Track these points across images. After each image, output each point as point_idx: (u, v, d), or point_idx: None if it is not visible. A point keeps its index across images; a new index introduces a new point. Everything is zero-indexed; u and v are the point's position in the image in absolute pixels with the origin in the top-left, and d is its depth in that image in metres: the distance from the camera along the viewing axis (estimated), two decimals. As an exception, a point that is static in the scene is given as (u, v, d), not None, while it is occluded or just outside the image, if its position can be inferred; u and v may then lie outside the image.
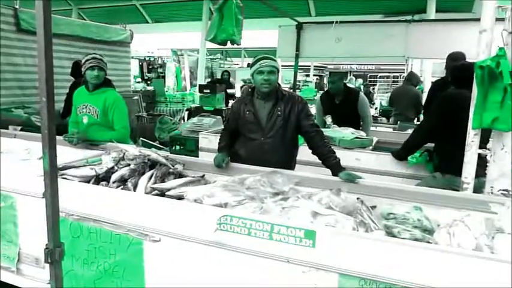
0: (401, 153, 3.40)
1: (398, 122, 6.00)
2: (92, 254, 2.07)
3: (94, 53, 3.28)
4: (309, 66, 18.92)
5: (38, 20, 1.39)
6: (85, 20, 10.87)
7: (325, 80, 24.18)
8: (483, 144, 2.31)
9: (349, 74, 23.79)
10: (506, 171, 2.16)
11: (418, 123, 5.45)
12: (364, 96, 4.58)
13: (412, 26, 5.50)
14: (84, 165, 2.46)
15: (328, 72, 25.84)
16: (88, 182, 2.31)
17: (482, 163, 2.29)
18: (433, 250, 1.49)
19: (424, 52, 5.62)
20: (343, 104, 4.46)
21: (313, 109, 5.28)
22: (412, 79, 6.54)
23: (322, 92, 6.34)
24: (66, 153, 2.78)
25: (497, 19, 2.18)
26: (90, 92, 3.26)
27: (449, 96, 2.97)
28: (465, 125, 2.25)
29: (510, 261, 1.36)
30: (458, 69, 2.99)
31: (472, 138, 2.23)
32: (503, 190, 2.17)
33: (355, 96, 4.45)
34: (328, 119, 4.28)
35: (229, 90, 8.98)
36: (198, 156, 4.29)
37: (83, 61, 3.22)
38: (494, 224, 1.75)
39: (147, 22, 11.79)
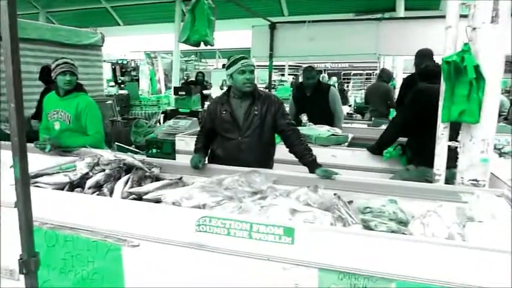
0: (376, 148, 3.48)
1: (373, 118, 6.12)
2: (69, 263, 2.02)
3: (64, 58, 3.20)
4: (284, 65, 19.05)
5: (3, 24, 1.35)
6: (54, 23, 10.62)
7: (300, 79, 24.42)
8: (455, 136, 2.38)
9: (323, 72, 24.09)
10: (475, 161, 2.24)
11: (391, 118, 5.56)
12: (335, 90, 4.66)
13: (383, 24, 5.63)
14: (58, 172, 2.40)
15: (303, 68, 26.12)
16: (62, 189, 2.26)
17: (452, 155, 2.36)
18: (408, 241, 1.53)
19: (394, 49, 5.77)
20: (315, 97, 4.57)
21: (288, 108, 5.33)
22: (383, 75, 6.72)
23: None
24: (38, 160, 2.70)
25: (462, 15, 2.26)
26: (62, 98, 3.18)
27: (420, 91, 3.06)
28: (435, 118, 2.32)
29: (480, 248, 1.42)
30: (420, 72, 3.12)
31: (442, 131, 2.30)
32: (473, 180, 2.26)
33: (327, 90, 4.55)
34: (304, 117, 4.33)
35: (204, 92, 8.95)
36: (175, 159, 4.26)
37: (53, 66, 3.13)
38: (465, 213, 1.82)
39: (119, 25, 11.61)
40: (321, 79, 12.04)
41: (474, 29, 2.14)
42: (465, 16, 2.24)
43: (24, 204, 1.47)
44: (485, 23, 2.12)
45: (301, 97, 4.72)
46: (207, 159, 2.92)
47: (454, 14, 2.21)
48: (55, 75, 3.12)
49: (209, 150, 2.93)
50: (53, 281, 2.07)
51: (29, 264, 1.51)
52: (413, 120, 3.04)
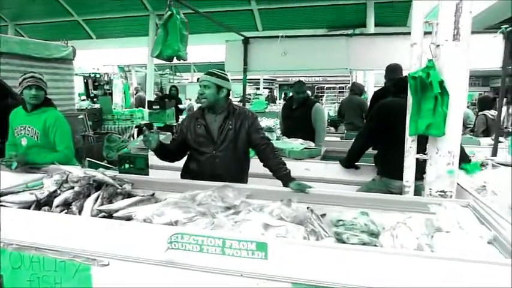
0: (346, 161, 3.53)
1: (345, 131, 6.25)
2: (35, 285, 1.94)
3: (32, 72, 3.13)
4: (259, 79, 19.23)
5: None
6: (23, 36, 10.38)
7: (275, 93, 24.70)
8: (422, 150, 2.46)
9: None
10: (441, 173, 2.31)
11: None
12: (319, 107, 4.68)
13: (353, 40, 5.79)
14: (24, 190, 2.32)
15: (277, 85, 26.41)
16: (28, 208, 2.18)
17: (419, 167, 2.43)
18: (378, 253, 1.55)
19: (365, 64, 5.94)
20: (299, 110, 4.62)
21: (263, 122, 5.38)
22: (355, 89, 6.90)
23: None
24: (3, 178, 2.61)
25: (426, 33, 2.36)
26: (29, 113, 3.10)
27: (384, 105, 3.16)
28: (401, 131, 2.39)
29: (448, 258, 1.46)
30: (396, 83, 3.21)
31: (410, 144, 2.37)
32: (440, 191, 2.32)
33: (311, 106, 4.58)
34: (278, 131, 4.37)
35: (180, 106, 8.91)
36: (148, 174, 4.19)
37: (20, 80, 3.06)
38: (433, 224, 1.86)
39: (91, 38, 11.47)
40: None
41: (438, 46, 2.24)
42: (430, 33, 2.33)
43: (-14, 225, 1.41)
44: (448, 41, 2.21)
45: (287, 110, 4.80)
46: (179, 174, 2.90)
47: (419, 31, 2.30)
48: (21, 90, 3.04)
49: (183, 165, 2.91)
50: (18, 305, 1.98)
51: (-9, 287, 1.45)
52: (377, 133, 3.13)
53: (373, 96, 5.06)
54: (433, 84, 2.12)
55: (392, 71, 4.27)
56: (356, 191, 2.96)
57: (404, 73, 3.91)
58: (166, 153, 2.80)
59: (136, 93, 15.20)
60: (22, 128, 3.09)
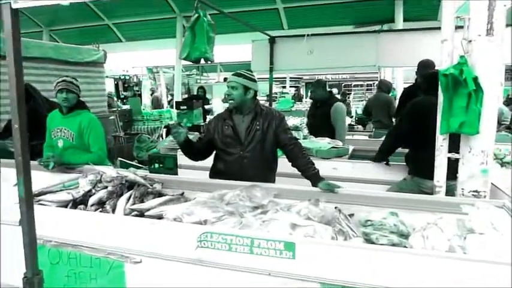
0: (376, 158, 3.53)
1: (374, 129, 6.14)
2: (72, 280, 2.04)
3: (66, 76, 3.26)
4: (285, 78, 19.19)
5: (7, 47, 1.40)
6: (57, 41, 10.77)
7: (302, 91, 24.56)
8: (454, 148, 2.40)
9: (324, 84, 24.16)
10: (475, 172, 2.25)
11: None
12: (340, 105, 4.64)
13: (381, 36, 5.68)
14: (61, 190, 2.44)
15: (303, 83, 26.29)
16: (65, 206, 2.29)
17: (452, 167, 2.38)
18: (408, 254, 1.54)
19: (393, 61, 5.81)
20: (321, 108, 4.64)
21: (290, 121, 5.37)
22: (382, 86, 6.74)
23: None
24: (41, 178, 2.74)
25: (458, 27, 2.30)
26: (64, 115, 3.24)
27: (417, 104, 3.09)
28: (433, 130, 2.34)
29: (482, 261, 1.43)
30: (427, 78, 3.13)
31: (441, 143, 2.32)
32: (473, 191, 2.26)
33: (331, 103, 4.57)
34: (305, 130, 4.36)
35: (206, 106, 9.01)
36: (177, 174, 4.27)
37: (54, 84, 3.20)
38: (466, 225, 1.82)
39: (121, 41, 11.77)
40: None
41: (470, 41, 2.18)
42: (461, 27, 2.27)
43: (28, 222, 1.50)
44: (481, 36, 2.15)
45: (312, 108, 4.89)
46: (207, 174, 2.94)
47: (449, 27, 2.24)
48: (55, 93, 3.18)
49: (211, 165, 2.95)
50: (56, 299, 2.08)
51: (33, 282, 1.53)
52: (408, 133, 3.07)
53: (402, 93, 4.94)
54: (468, 81, 2.07)
55: (425, 66, 4.15)
56: (386, 191, 2.92)
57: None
58: (192, 150, 2.84)
59: (152, 93, 15.46)
60: (58, 130, 3.23)
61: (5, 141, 4.59)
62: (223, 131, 2.79)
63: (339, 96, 12.21)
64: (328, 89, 4.84)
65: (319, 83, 4.76)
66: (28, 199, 1.48)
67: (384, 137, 3.70)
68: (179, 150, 4.40)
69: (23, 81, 1.43)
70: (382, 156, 3.47)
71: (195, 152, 2.87)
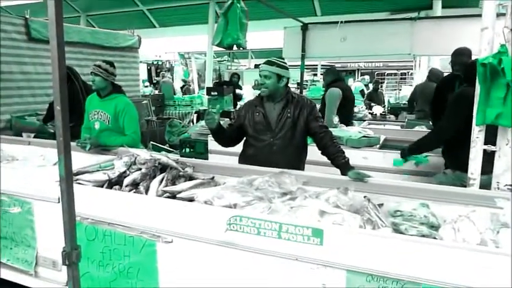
0: (411, 150, 3.27)
1: (406, 119, 5.99)
2: (107, 256, 2.14)
3: (101, 60, 3.37)
4: (316, 65, 18.90)
5: (51, 32, 1.45)
6: (93, 26, 11.03)
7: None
8: (492, 140, 2.30)
9: (357, 72, 23.71)
10: (511, 166, 2.17)
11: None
12: (332, 90, 4.74)
13: (418, 23, 5.50)
14: (97, 170, 2.53)
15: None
16: (101, 186, 2.38)
17: (490, 159, 2.29)
18: (438, 245, 1.52)
19: (430, 49, 5.62)
20: (324, 94, 4.84)
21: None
22: (431, 76, 6.47)
23: None
24: (79, 158, 2.86)
25: (500, 14, 2.20)
26: (101, 99, 3.35)
27: (462, 94, 2.93)
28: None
29: (514, 255, 1.39)
30: (469, 68, 2.97)
31: (477, 134, 2.25)
32: (509, 185, 2.19)
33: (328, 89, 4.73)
34: (336, 119, 4.32)
35: (237, 91, 9.03)
36: (207, 159, 4.36)
37: None
38: (500, 219, 1.77)
39: (154, 27, 11.91)
40: (359, 80, 11.79)
41: (511, 30, 2.08)
42: (503, 14, 2.17)
43: (67, 200, 1.57)
44: (525, 24, 2.05)
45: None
46: (237, 159, 2.97)
47: (490, 15, 2.15)
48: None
49: (240, 151, 2.98)
50: (92, 273, 2.19)
51: (71, 256, 1.61)
52: (457, 126, 2.83)
53: (439, 83, 4.76)
54: (506, 71, 1.99)
55: (459, 54, 3.98)
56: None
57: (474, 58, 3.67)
58: (224, 136, 2.87)
59: (184, 86, 15.39)
60: (96, 113, 3.35)
61: (44, 124, 4.84)
62: (254, 117, 2.80)
63: (371, 85, 11.97)
64: (335, 77, 4.93)
65: (328, 71, 4.87)
66: (68, 178, 1.55)
67: (420, 128, 3.58)
68: (210, 135, 4.50)
69: (64, 64, 1.49)
70: (418, 152, 3.25)
71: (226, 138, 2.90)
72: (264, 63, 2.77)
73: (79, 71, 5.39)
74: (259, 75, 2.75)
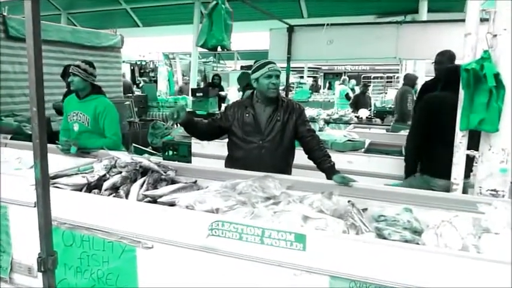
0: (406, 172, 3.24)
1: (392, 123, 6.09)
2: (85, 262, 2.10)
3: (81, 60, 3.32)
4: (303, 67, 19.05)
5: (27, 30, 1.42)
6: (75, 25, 10.89)
7: (320, 82, 24.39)
8: (472, 145, 2.36)
9: (343, 75, 23.94)
10: (494, 171, 2.22)
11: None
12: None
13: (403, 27, 5.59)
14: (76, 174, 2.49)
15: (322, 74, 26.03)
16: (80, 190, 2.34)
17: (467, 163, 2.35)
18: (420, 251, 1.54)
19: (415, 53, 5.72)
20: None
21: (306, 112, 5.36)
22: (406, 80, 6.66)
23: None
24: (57, 161, 2.81)
25: (483, 19, 2.25)
26: (80, 100, 3.30)
27: (428, 99, 3.03)
28: (445, 126, 2.32)
29: (495, 261, 1.42)
30: (446, 73, 3.06)
31: (460, 139, 2.29)
32: (492, 190, 2.24)
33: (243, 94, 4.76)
34: (321, 122, 4.35)
35: (221, 93, 9.03)
36: (190, 162, 4.34)
37: None
38: (481, 224, 1.81)
39: (138, 26, 11.83)
40: (342, 82, 11.91)
41: (495, 35, 2.13)
42: (486, 20, 2.22)
43: (44, 204, 1.54)
44: (507, 30, 2.11)
45: None
46: (221, 162, 2.97)
47: (474, 20, 2.20)
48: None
49: (227, 153, 2.96)
50: (69, 280, 2.15)
51: (47, 262, 1.57)
52: (423, 128, 2.98)
53: (421, 88, 4.84)
54: (488, 77, 2.04)
55: (440, 55, 4.04)
56: (395, 186, 2.90)
57: (458, 63, 3.73)
58: (195, 130, 2.84)
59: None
60: (74, 114, 3.30)
61: (20, 124, 4.75)
62: (244, 118, 2.79)
63: (357, 88, 12.09)
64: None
65: (242, 74, 4.95)
66: (44, 181, 1.52)
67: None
68: (193, 138, 4.48)
69: (41, 64, 1.46)
70: (409, 167, 3.19)
71: (199, 133, 2.89)
72: (268, 63, 2.74)
73: (59, 71, 5.33)
74: (269, 75, 2.68)
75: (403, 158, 3.36)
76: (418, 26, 5.84)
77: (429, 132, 2.87)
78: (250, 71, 2.85)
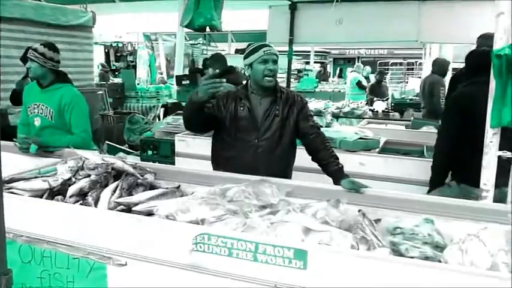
0: (432, 181, 3.21)
1: (412, 118, 6.08)
2: (45, 282, 2.09)
3: (41, 43, 3.31)
4: (309, 52, 19.02)
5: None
6: (39, 0, 10.84)
7: (329, 68, 24.40)
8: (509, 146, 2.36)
9: (356, 60, 23.97)
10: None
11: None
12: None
13: (426, 5, 5.59)
14: (36, 177, 2.48)
15: (331, 59, 26.00)
16: (40, 196, 2.33)
17: (503, 169, 2.34)
18: (442, 270, 1.54)
19: (439, 36, 5.73)
20: None
21: (311, 104, 5.36)
22: (435, 68, 6.56)
23: None
24: (14, 161, 2.80)
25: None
26: (43, 90, 3.28)
27: (457, 97, 3.03)
28: (481, 126, 2.31)
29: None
30: (471, 60, 3.06)
31: (491, 138, 2.29)
32: (528, 198, 2.24)
33: None
34: (328, 116, 4.36)
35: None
36: (173, 163, 4.33)
37: None
38: (515, 238, 1.81)
39: (113, 1, 11.76)
40: (355, 69, 11.89)
41: (533, 15, 2.13)
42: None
43: (-5, 214, 1.53)
44: (547, 8, 2.11)
45: None
46: (209, 163, 2.96)
47: (508, -3, 2.20)
48: None
49: (214, 153, 2.96)
50: (27, 303, 2.14)
51: (0, 282, 1.57)
52: (453, 130, 2.99)
53: (450, 80, 4.82)
54: (525, 65, 2.04)
55: (485, 37, 3.99)
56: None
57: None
58: (201, 115, 2.72)
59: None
60: (35, 106, 3.29)
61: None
62: (238, 112, 2.77)
63: (372, 76, 12.10)
64: (225, 66, 4.95)
65: (214, 58, 5.06)
66: (-4, 186, 1.51)
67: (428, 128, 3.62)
68: (177, 134, 4.47)
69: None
70: (437, 179, 3.17)
71: (201, 119, 2.77)
72: (265, 45, 2.73)
73: (19, 54, 5.29)
74: (266, 60, 2.65)
75: (426, 160, 3.36)
76: (443, 4, 5.82)
77: (465, 133, 2.86)
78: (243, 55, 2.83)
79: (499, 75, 2.17)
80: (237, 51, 17.09)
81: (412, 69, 17.65)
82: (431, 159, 3.31)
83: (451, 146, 3.05)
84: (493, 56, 2.17)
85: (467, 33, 4.43)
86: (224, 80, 2.54)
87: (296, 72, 16.10)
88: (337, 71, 21.05)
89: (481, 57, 2.93)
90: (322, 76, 18.20)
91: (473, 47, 4.04)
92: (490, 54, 2.24)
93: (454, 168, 3.12)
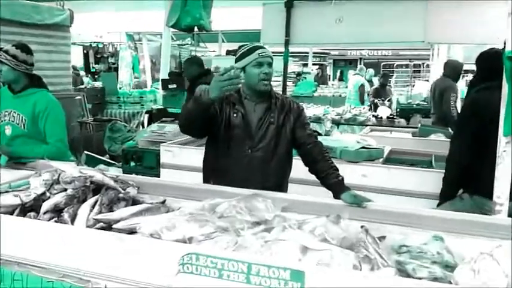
0: (443, 192, 3.27)
1: (419, 125, 6.10)
2: (16, 308, 2.07)
3: (13, 44, 3.30)
4: (307, 53, 19.12)
5: None
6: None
7: (328, 71, 24.49)
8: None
9: (358, 62, 24.13)
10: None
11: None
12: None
13: (434, 3, 5.63)
14: (6, 191, 2.46)
15: (330, 60, 26.11)
16: (11, 213, 2.31)
17: None
18: (453, 292, 1.54)
19: (448, 36, 5.76)
20: None
21: (310, 110, 5.37)
22: (446, 70, 6.55)
23: None
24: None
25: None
26: (15, 95, 3.28)
27: (472, 101, 3.06)
28: (496, 135, 2.33)
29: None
30: (481, 62, 3.09)
31: (504, 147, 2.31)
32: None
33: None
34: (328, 123, 4.37)
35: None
36: (158, 175, 4.32)
37: None
38: (532, 257, 1.81)
39: (93, -2, 11.80)
40: (358, 71, 11.93)
41: (547, 15, 2.16)
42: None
43: (-40, 233, 1.52)
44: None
45: None
46: (198, 176, 2.96)
47: (521, -5, 2.23)
48: None
49: (205, 164, 2.96)
50: (-5, 332, 2.12)
51: (-35, 310, 1.55)
52: (468, 139, 3.02)
53: (469, 84, 4.82)
54: (539, 67, 2.06)
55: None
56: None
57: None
58: (205, 117, 2.66)
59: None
60: (6, 114, 3.28)
61: None
62: (231, 119, 2.77)
63: (376, 79, 12.16)
64: (201, 70, 5.02)
65: (190, 61, 5.07)
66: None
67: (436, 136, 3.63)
68: (162, 144, 4.46)
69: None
70: (449, 192, 3.21)
71: (204, 123, 2.72)
72: (259, 47, 2.73)
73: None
74: (261, 63, 2.66)
75: (434, 171, 3.37)
76: (453, 1, 5.87)
77: (479, 141, 2.88)
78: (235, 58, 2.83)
79: (511, 79, 2.19)
80: (229, 52, 17.13)
81: (419, 71, 17.78)
82: (441, 170, 3.33)
83: (465, 155, 3.07)
84: (504, 58, 2.19)
85: (478, 32, 4.48)
86: (242, 75, 2.52)
87: (294, 75, 16.17)
88: (338, 74, 21.14)
89: (492, 59, 2.96)
90: (321, 79, 18.26)
91: (485, 47, 4.08)
92: (502, 55, 2.26)
93: (467, 179, 3.13)
